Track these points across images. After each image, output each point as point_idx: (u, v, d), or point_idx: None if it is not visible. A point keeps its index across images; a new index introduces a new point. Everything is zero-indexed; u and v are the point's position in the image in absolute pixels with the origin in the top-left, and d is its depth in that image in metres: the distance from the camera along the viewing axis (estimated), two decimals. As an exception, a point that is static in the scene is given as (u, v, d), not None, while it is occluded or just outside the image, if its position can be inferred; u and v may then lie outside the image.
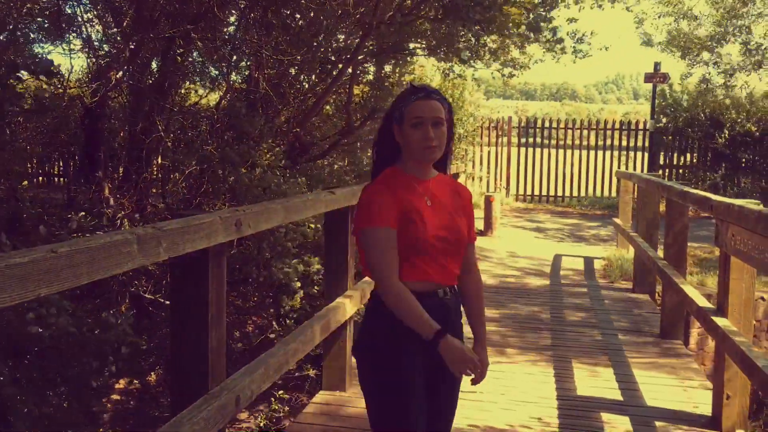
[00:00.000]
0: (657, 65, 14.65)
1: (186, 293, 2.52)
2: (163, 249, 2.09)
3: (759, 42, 15.36)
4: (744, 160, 14.50)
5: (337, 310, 4.06)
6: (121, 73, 7.57)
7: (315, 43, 8.12)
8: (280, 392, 6.86)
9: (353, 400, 4.34)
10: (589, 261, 9.41)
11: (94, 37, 8.34)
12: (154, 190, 8.12)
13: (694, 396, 4.54)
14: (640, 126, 15.47)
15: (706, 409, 4.24)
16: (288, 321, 6.60)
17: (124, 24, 7.54)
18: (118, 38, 7.80)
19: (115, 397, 6.60)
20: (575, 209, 14.87)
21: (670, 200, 5.86)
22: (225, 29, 8.60)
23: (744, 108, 14.47)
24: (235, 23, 8.82)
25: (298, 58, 7.99)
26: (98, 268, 1.88)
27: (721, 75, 15.83)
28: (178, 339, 2.57)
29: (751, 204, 3.53)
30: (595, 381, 4.78)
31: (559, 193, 15.55)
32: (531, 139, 16.04)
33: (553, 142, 16.12)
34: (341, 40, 9.13)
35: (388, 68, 10.77)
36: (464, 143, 14.70)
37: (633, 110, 77.16)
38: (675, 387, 4.71)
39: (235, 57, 8.55)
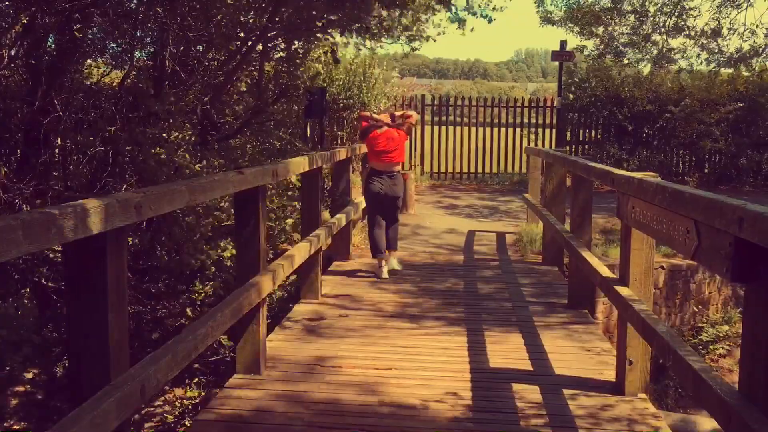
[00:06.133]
0: (563, 44, 15.01)
1: (83, 280, 2.39)
2: (53, 235, 1.97)
3: (651, 14, 15.70)
4: (644, 135, 15.12)
5: (250, 293, 3.98)
6: (14, 49, 7.12)
7: (222, 19, 7.88)
8: (197, 377, 6.73)
9: (268, 383, 4.29)
10: (501, 236, 9.62)
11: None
12: (56, 174, 7.71)
13: (599, 363, 4.73)
14: (548, 103, 15.87)
15: (610, 375, 4.42)
16: (204, 308, 6.46)
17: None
18: (10, 12, 7.33)
19: (20, 389, 6.30)
20: (488, 186, 15.15)
21: (576, 175, 6.02)
22: (127, 3, 8.21)
23: (643, 86, 15.05)
24: (138, -3, 8.42)
25: (205, 33, 7.74)
26: (-22, 256, 1.75)
27: (611, 51, 16.19)
28: (76, 328, 2.45)
29: (649, 177, 3.66)
30: (507, 352, 4.90)
31: (473, 170, 15.77)
32: (444, 117, 16.20)
33: (466, 120, 16.33)
34: (250, 16, 8.89)
35: (298, 45, 10.55)
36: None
37: (542, 88, 79.14)
38: (582, 355, 4.89)
39: (139, 32, 8.18)
